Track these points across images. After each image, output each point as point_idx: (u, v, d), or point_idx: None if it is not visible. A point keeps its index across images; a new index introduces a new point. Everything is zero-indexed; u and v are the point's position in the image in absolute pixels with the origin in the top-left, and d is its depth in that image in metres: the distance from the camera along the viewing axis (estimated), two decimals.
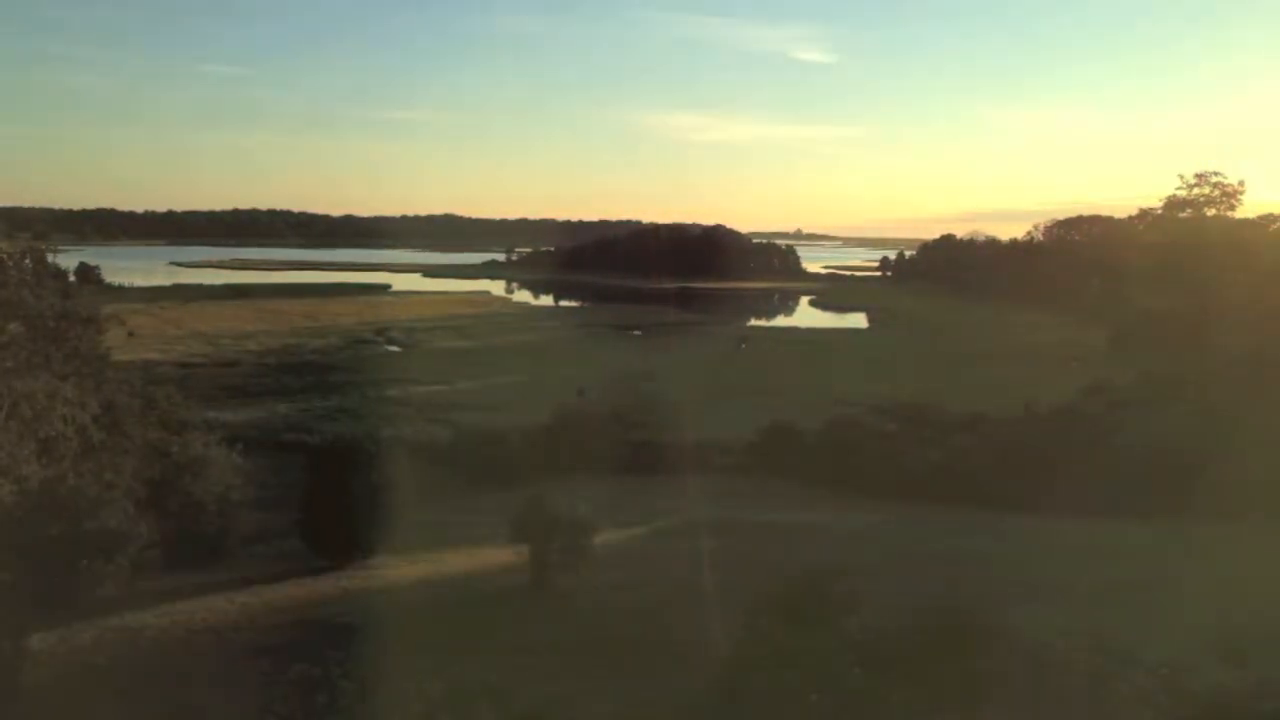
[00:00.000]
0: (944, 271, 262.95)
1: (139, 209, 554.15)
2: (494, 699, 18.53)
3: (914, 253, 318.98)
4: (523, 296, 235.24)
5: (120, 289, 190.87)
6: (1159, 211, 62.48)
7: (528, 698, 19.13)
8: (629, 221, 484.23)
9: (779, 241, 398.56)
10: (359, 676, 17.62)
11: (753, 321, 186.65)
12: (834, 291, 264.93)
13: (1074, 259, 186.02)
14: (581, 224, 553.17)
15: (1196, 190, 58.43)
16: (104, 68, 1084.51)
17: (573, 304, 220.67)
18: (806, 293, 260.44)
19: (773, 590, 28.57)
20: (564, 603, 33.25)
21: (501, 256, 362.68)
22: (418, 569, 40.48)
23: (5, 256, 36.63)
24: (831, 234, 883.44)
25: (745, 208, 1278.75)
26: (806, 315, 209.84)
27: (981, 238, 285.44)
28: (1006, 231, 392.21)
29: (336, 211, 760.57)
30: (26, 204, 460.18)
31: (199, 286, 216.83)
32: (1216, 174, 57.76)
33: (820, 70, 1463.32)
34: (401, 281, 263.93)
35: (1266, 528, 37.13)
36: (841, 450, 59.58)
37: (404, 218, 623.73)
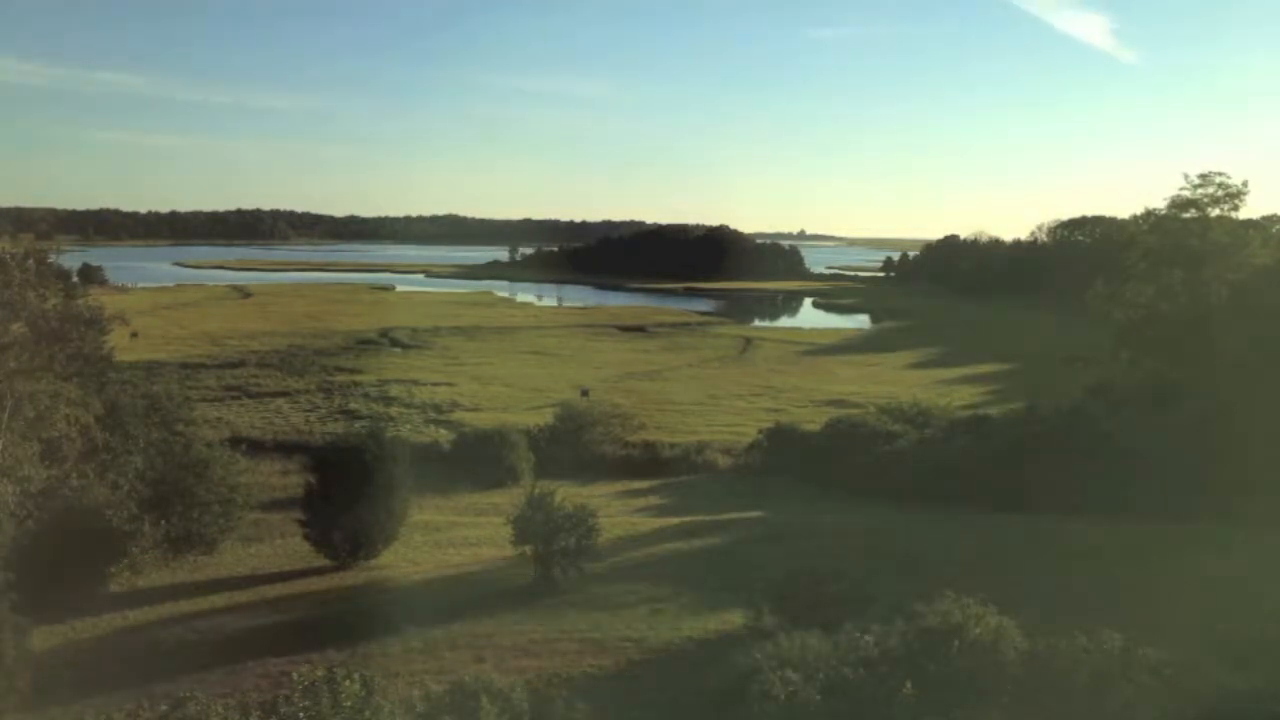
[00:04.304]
0: (947, 272, 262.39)
1: (142, 209, 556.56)
2: (495, 699, 18.59)
3: (918, 254, 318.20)
4: (526, 297, 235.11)
5: (124, 289, 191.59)
6: (1163, 211, 62.19)
7: (530, 698, 19.18)
8: (633, 222, 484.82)
9: (782, 242, 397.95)
10: (362, 676, 17.66)
11: (756, 321, 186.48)
12: (837, 291, 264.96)
13: (1077, 259, 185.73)
14: (585, 224, 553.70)
15: (1201, 190, 58.19)
16: (112, 71, 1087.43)
17: (576, 305, 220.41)
18: (810, 293, 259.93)
19: (776, 591, 28.65)
20: (567, 603, 33.27)
21: (505, 256, 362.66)
22: (421, 569, 40.53)
23: (9, 257, 36.70)
24: (835, 235, 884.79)
25: (749, 209, 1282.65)
26: (810, 316, 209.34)
27: (985, 238, 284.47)
28: (1010, 232, 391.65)
29: (339, 212, 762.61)
30: (29, 205, 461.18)
31: (202, 286, 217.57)
32: (1221, 174, 57.54)
33: None
34: (404, 282, 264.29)
35: (1267, 528, 37.08)
36: (843, 450, 59.54)
37: (407, 218, 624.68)
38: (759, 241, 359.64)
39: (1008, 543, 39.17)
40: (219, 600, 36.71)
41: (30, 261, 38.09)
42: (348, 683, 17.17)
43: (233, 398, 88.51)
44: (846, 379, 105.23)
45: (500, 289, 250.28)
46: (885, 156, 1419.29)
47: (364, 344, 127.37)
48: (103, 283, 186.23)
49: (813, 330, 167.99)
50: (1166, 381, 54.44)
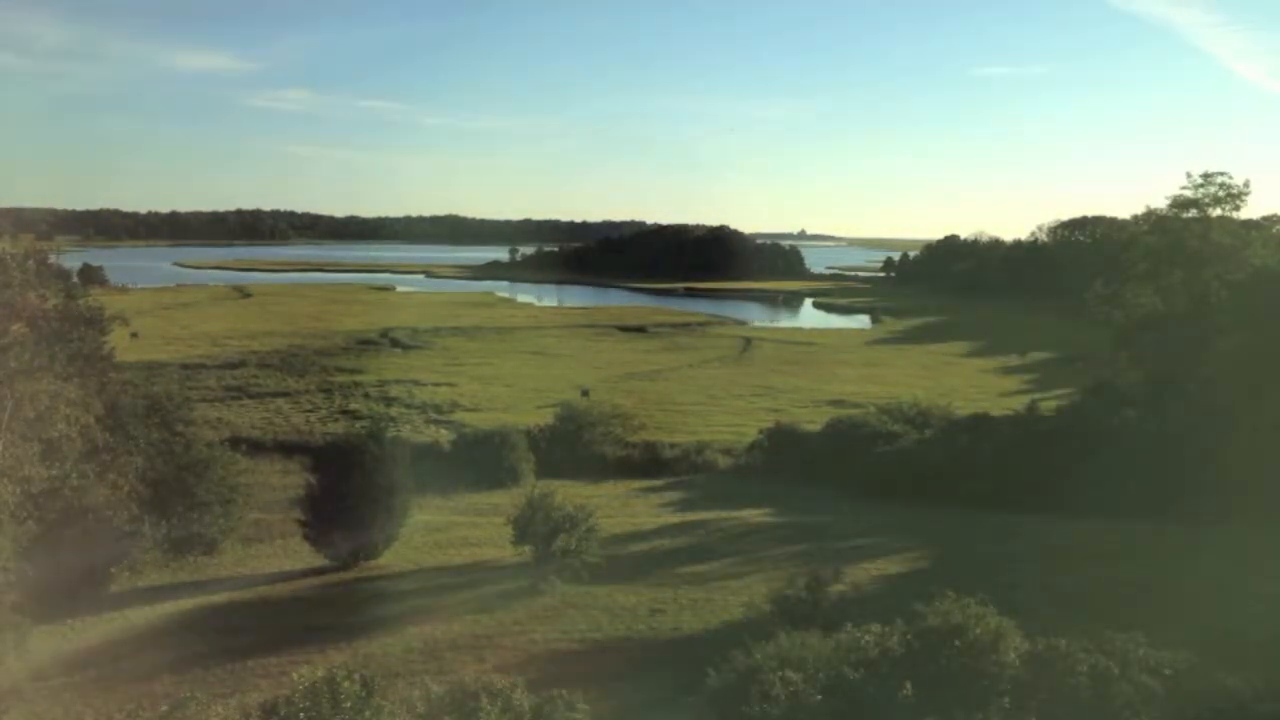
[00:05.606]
0: (947, 272, 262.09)
1: (142, 210, 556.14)
2: (495, 699, 18.57)
3: (918, 254, 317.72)
4: (526, 297, 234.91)
5: (124, 289, 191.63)
6: (1164, 211, 62.23)
7: (530, 698, 19.17)
8: (633, 222, 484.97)
9: (782, 242, 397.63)
10: (362, 676, 17.65)
11: (756, 322, 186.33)
12: (843, 291, 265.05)
13: (1077, 259, 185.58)
14: (585, 224, 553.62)
15: (1202, 190, 58.24)
16: (110, 68, 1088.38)
17: (576, 305, 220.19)
18: (811, 293, 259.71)
19: (777, 591, 28.67)
20: (567, 603, 33.27)
21: (505, 256, 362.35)
22: (422, 569, 40.51)
23: (9, 257, 36.62)
24: (835, 235, 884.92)
25: (749, 209, 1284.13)
26: (810, 316, 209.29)
27: (985, 238, 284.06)
28: (1010, 232, 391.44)
29: (339, 212, 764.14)
30: (29, 205, 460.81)
31: (203, 287, 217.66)
32: (1222, 174, 57.58)
33: None
34: (405, 283, 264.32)
35: (1266, 528, 37.10)
36: (843, 451, 59.47)
37: (407, 218, 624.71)
38: (759, 241, 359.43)
39: (1008, 543, 39.19)
40: (219, 600, 36.69)
41: (30, 261, 37.99)
42: (348, 683, 17.15)
43: (233, 398, 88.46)
44: (846, 379, 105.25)
45: (501, 289, 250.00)
46: (886, 157, 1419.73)
47: (364, 344, 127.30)
48: (103, 283, 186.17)
49: (813, 330, 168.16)
50: (1166, 381, 54.46)
